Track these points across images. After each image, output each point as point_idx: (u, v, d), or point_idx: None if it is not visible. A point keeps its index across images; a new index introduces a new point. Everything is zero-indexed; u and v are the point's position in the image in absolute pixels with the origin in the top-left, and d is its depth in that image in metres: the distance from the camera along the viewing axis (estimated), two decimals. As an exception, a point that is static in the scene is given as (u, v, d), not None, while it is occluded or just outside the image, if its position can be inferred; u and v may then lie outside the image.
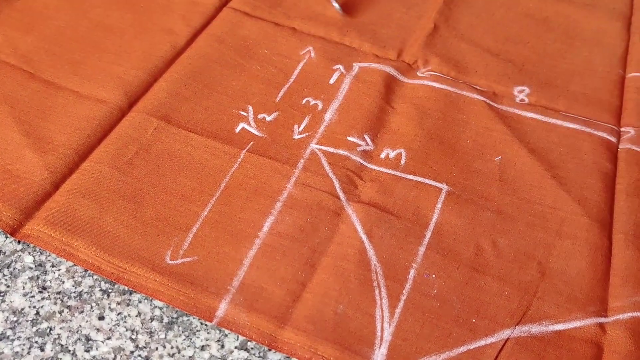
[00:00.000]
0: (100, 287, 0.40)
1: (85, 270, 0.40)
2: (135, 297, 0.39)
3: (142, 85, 0.50)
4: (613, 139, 0.49)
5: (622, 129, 0.50)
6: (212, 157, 0.45)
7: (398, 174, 0.46)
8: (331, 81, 0.52)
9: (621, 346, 0.37)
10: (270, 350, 0.37)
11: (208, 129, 0.47)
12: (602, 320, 0.39)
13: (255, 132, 0.47)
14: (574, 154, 0.48)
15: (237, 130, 0.47)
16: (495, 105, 0.51)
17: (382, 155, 0.47)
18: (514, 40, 0.57)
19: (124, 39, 0.54)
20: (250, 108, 0.49)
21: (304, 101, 0.50)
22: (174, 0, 0.57)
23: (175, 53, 0.53)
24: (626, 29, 0.60)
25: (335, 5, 0.54)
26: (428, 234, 0.42)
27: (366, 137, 0.48)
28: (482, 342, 0.38)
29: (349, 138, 0.48)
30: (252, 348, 0.37)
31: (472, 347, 0.37)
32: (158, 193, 0.43)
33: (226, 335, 0.38)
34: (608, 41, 0.58)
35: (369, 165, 0.46)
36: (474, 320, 0.38)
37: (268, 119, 0.48)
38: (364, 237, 0.42)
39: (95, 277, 0.40)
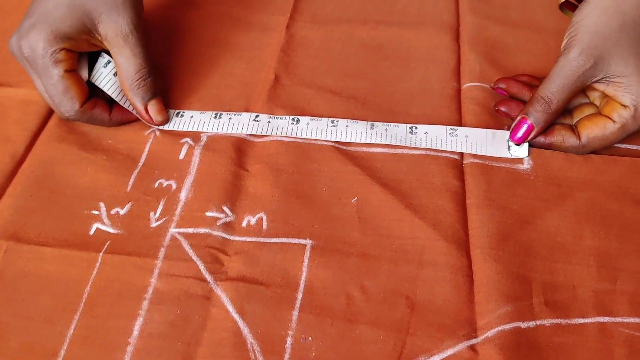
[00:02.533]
0: None
1: None
2: None
3: (-15, 206, 0.48)
4: (457, 157, 0.51)
5: (464, 143, 0.53)
6: (69, 268, 0.44)
7: (261, 239, 0.46)
8: (181, 156, 0.51)
9: (492, 362, 0.40)
10: None
11: (60, 238, 0.46)
12: (473, 341, 0.41)
13: (111, 230, 0.46)
14: (424, 179, 0.49)
15: (92, 232, 0.46)
16: (344, 147, 0.52)
17: (244, 224, 0.47)
18: (354, 74, 0.59)
19: (-40, 159, 0.51)
20: (102, 204, 0.48)
21: (156, 184, 0.50)
22: (7, 104, 0.55)
23: (15, 163, 0.51)
24: (455, 40, 0.62)
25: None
26: (299, 296, 0.43)
27: (225, 208, 0.48)
28: (364, 395, 0.39)
29: (208, 213, 0.47)
30: None
31: (356, 403, 0.38)
32: (19, 320, 0.42)
33: None
34: (441, 56, 0.61)
35: (231, 238, 0.46)
36: (354, 374, 0.40)
37: (122, 212, 0.48)
38: (236, 316, 0.42)
39: None
